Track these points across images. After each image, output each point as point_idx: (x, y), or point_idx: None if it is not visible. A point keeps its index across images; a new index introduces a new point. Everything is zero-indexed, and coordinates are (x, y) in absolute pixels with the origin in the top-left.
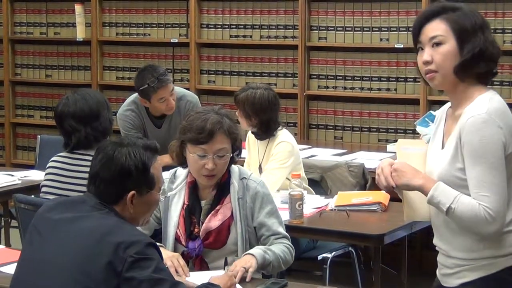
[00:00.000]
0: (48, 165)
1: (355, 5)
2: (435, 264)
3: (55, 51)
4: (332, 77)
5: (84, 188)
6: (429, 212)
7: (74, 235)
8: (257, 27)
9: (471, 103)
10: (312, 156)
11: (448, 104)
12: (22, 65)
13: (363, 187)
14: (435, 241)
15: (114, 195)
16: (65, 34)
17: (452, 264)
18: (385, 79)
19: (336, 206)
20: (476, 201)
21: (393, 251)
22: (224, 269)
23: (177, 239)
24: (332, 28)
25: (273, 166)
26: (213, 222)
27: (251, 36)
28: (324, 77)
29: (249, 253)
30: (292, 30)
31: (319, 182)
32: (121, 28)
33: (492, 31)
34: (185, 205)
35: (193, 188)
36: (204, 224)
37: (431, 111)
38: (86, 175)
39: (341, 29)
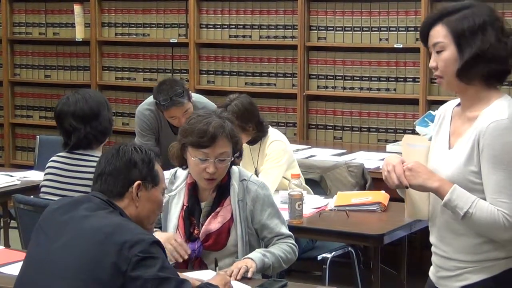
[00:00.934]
0: (47, 165)
1: (355, 5)
2: None
3: (54, 52)
4: (332, 77)
5: (83, 188)
6: (428, 212)
7: (79, 235)
8: (257, 27)
9: (489, 107)
10: (311, 156)
11: (451, 102)
12: (21, 66)
13: (362, 187)
14: (433, 241)
15: (120, 187)
16: (64, 34)
17: (452, 267)
18: (385, 79)
19: (335, 206)
20: (494, 207)
21: (393, 251)
22: (215, 270)
23: None
24: (332, 28)
25: (269, 166)
26: (213, 224)
27: (250, 36)
28: (323, 77)
29: (248, 257)
30: (291, 30)
31: (319, 182)
32: (120, 28)
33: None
34: (184, 207)
35: (193, 190)
36: (204, 227)
37: (430, 111)
38: (86, 175)
39: (341, 29)
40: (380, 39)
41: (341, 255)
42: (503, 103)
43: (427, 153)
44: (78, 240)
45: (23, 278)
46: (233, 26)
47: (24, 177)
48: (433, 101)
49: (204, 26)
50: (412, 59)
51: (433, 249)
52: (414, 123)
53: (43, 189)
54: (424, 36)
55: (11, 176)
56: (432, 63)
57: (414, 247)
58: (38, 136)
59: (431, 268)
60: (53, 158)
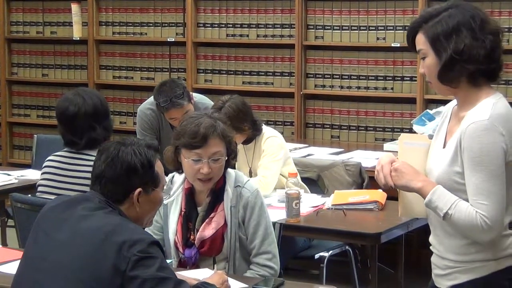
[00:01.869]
0: (44, 165)
1: (352, 4)
2: None
3: (51, 50)
4: (329, 76)
5: (81, 187)
6: (424, 210)
7: (79, 235)
8: (254, 26)
9: (475, 107)
10: (309, 155)
11: (453, 101)
12: (18, 64)
13: (360, 186)
14: (431, 239)
15: (121, 194)
16: (61, 33)
17: (443, 266)
18: (382, 78)
19: (333, 205)
20: (473, 209)
21: (390, 250)
22: (213, 268)
23: (175, 246)
24: (329, 27)
25: (268, 161)
26: (207, 231)
27: (247, 35)
28: (320, 76)
29: None
30: (288, 29)
31: (316, 181)
32: (118, 27)
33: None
34: (182, 212)
35: (190, 195)
36: (198, 233)
37: (427, 110)
38: (83, 174)
39: (338, 28)
40: (378, 38)
41: (338, 254)
42: (488, 103)
43: (427, 151)
44: (77, 239)
45: (21, 277)
46: (231, 25)
47: (22, 176)
48: (430, 100)
49: (201, 25)
50: (410, 58)
51: (431, 247)
52: (412, 122)
53: (40, 188)
54: (412, 44)
55: (9, 175)
56: (420, 70)
57: (411, 245)
58: (35, 135)
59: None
60: (50, 157)
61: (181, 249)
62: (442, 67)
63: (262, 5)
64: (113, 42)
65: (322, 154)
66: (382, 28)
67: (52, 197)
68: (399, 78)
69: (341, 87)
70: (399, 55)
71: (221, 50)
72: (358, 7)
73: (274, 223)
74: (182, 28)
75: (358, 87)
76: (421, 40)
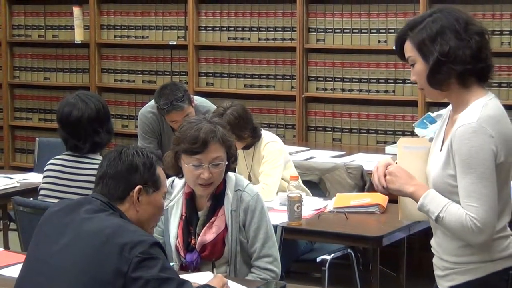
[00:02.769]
0: (46, 168)
1: (353, 7)
2: None
3: (53, 54)
4: (331, 79)
5: (82, 191)
6: (423, 214)
7: (80, 237)
8: (255, 29)
9: (466, 109)
10: (310, 158)
11: None
12: (20, 68)
13: (361, 189)
14: (432, 241)
15: (121, 191)
16: (63, 36)
17: (442, 267)
18: (383, 81)
19: (334, 208)
20: (464, 211)
21: (392, 253)
22: (212, 272)
23: (176, 250)
24: (330, 30)
25: (269, 167)
26: (208, 235)
27: (249, 38)
28: (322, 79)
29: None
30: (290, 32)
31: (318, 184)
32: (119, 30)
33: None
34: (183, 217)
35: (190, 199)
36: (199, 237)
37: (429, 113)
38: (85, 178)
39: (339, 31)
40: (379, 41)
41: (340, 257)
42: (478, 105)
43: (427, 155)
44: (79, 242)
45: (23, 280)
46: (232, 28)
47: (24, 179)
48: (431, 103)
49: (203, 28)
50: None
51: (432, 248)
52: (413, 125)
53: (42, 192)
54: (400, 53)
55: (11, 178)
56: (412, 77)
57: (413, 248)
58: (37, 138)
59: None
60: (52, 160)
61: (182, 254)
62: (430, 71)
63: (263, 8)
64: (114, 46)
65: (323, 157)
66: (384, 31)
67: (54, 200)
68: (401, 81)
69: (343, 90)
70: None
71: (222, 53)
72: (359, 10)
73: (275, 226)
74: (183, 31)
75: (360, 90)
76: (408, 48)
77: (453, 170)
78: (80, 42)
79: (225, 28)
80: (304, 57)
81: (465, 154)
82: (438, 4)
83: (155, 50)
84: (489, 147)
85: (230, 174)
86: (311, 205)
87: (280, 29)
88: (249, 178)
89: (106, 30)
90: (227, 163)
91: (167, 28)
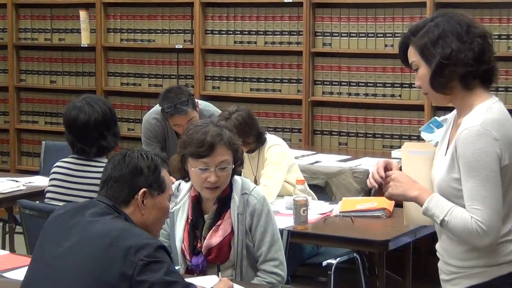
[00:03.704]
0: (52, 171)
1: (360, 11)
2: None
3: (59, 57)
4: (337, 83)
5: (88, 194)
6: (427, 218)
7: (85, 240)
8: (262, 33)
9: (470, 113)
10: (316, 162)
11: None
12: (27, 71)
13: (367, 193)
14: (437, 246)
15: (125, 194)
16: (69, 40)
17: (447, 271)
18: (390, 85)
19: (340, 212)
20: (468, 214)
21: (398, 257)
22: (218, 276)
23: (182, 254)
24: (337, 34)
25: (271, 169)
26: (214, 238)
27: (255, 42)
28: (328, 83)
29: None
30: (296, 36)
31: (324, 188)
32: (126, 34)
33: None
34: (189, 220)
35: (197, 202)
36: (205, 241)
37: (435, 117)
38: (91, 181)
39: (346, 35)
40: (385, 45)
41: (346, 261)
42: (482, 108)
43: (431, 159)
44: (83, 245)
45: (28, 283)
46: (239, 32)
47: (30, 182)
48: (438, 107)
49: (209, 32)
50: None
51: (437, 252)
52: (419, 129)
53: (48, 195)
54: (404, 59)
55: (17, 181)
56: (416, 83)
57: (419, 253)
58: (43, 142)
59: None
60: (58, 163)
61: (188, 257)
62: (433, 74)
63: (270, 12)
64: (121, 49)
65: (329, 161)
66: (390, 35)
67: (60, 203)
68: (407, 85)
69: (349, 94)
70: None
71: (229, 57)
72: (366, 14)
73: (281, 230)
74: (190, 35)
75: (366, 94)
76: (412, 53)
77: (458, 173)
78: (86, 45)
79: (231, 32)
80: (311, 61)
81: (470, 157)
82: (444, 8)
83: (162, 54)
84: (493, 150)
85: (236, 177)
86: (317, 209)
87: (286, 33)
88: (255, 182)
89: (112, 33)
90: (233, 166)
91: (174, 31)
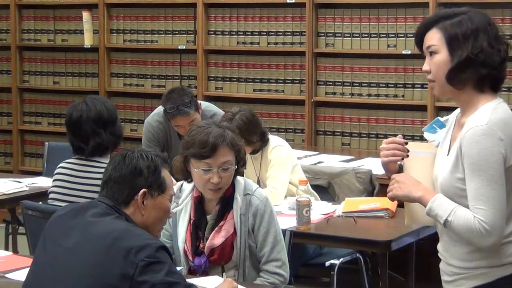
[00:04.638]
0: (55, 172)
1: (363, 11)
2: None
3: (62, 58)
4: (340, 83)
5: (91, 195)
6: (428, 218)
7: (86, 241)
8: (265, 33)
9: (475, 113)
10: (319, 162)
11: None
12: (30, 72)
13: (370, 194)
14: (439, 246)
15: (125, 195)
16: (72, 41)
17: (450, 272)
18: (393, 85)
19: (343, 212)
20: (472, 214)
21: (401, 258)
22: (222, 276)
23: (185, 254)
24: (340, 34)
25: (276, 171)
26: (216, 239)
27: (258, 43)
28: (331, 83)
29: None
30: (299, 37)
31: (327, 189)
32: (129, 35)
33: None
34: (191, 221)
35: (199, 203)
36: (208, 241)
37: (438, 117)
38: (94, 182)
39: (349, 35)
40: (388, 45)
41: (349, 261)
42: (487, 108)
43: (433, 160)
44: (84, 245)
45: (29, 284)
46: (241, 33)
47: (33, 183)
48: (441, 107)
49: (212, 32)
50: (420, 65)
51: (438, 253)
52: (422, 130)
53: (51, 196)
54: (419, 39)
55: (20, 182)
56: (425, 67)
57: (422, 253)
58: (46, 143)
59: None
60: (61, 164)
61: (190, 258)
62: (455, 67)
63: (272, 13)
64: (124, 50)
65: (332, 162)
66: (393, 35)
67: (63, 204)
68: (410, 86)
69: (352, 94)
70: (410, 63)
71: (231, 58)
72: (368, 14)
73: (284, 231)
74: (193, 35)
75: (369, 95)
76: (435, 36)
77: (462, 173)
78: (89, 46)
79: (234, 33)
80: (313, 62)
81: (474, 157)
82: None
83: (164, 55)
84: (498, 150)
85: (239, 178)
86: (320, 209)
87: (289, 33)
88: (258, 183)
89: (115, 34)
90: (236, 167)
91: (176, 32)
